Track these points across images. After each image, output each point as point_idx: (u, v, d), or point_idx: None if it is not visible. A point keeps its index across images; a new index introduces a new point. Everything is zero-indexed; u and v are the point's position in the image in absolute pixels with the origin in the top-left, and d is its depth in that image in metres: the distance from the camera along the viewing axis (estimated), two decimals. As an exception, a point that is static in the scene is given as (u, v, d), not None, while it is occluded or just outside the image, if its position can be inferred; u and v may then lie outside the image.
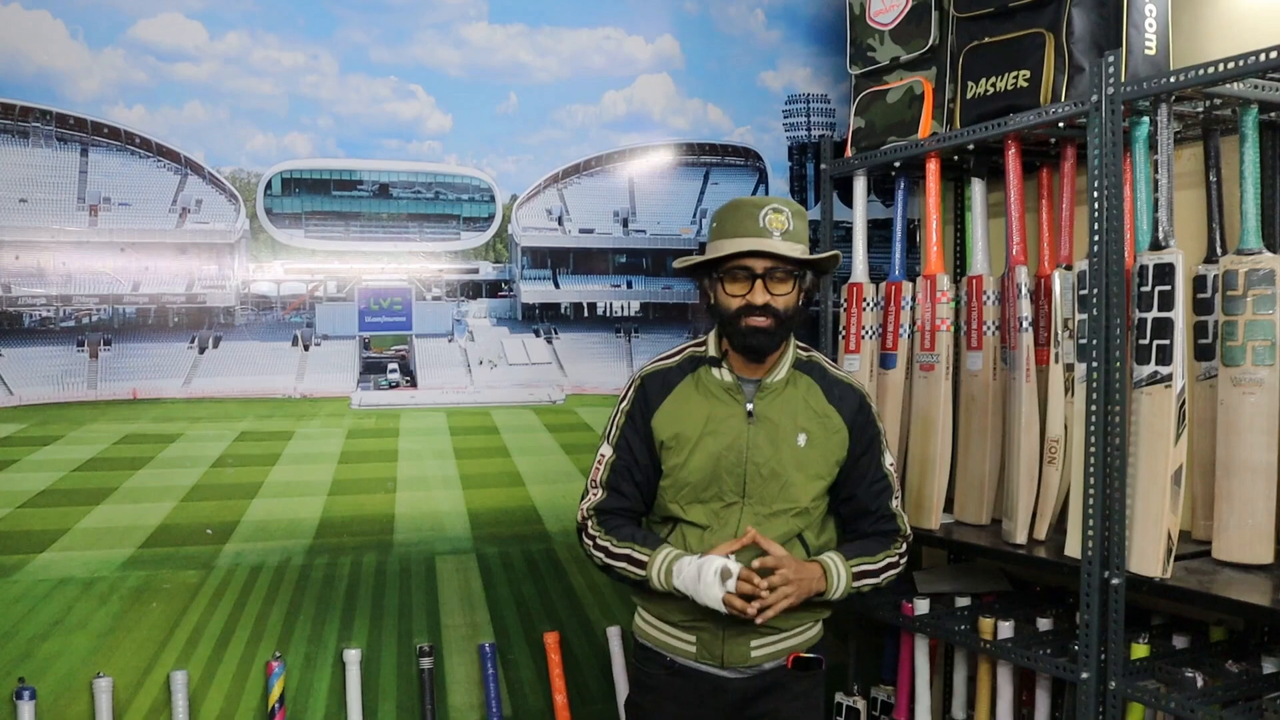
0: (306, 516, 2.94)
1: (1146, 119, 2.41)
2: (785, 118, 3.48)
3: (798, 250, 2.23)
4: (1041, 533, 2.66)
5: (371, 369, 3.05)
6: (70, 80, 2.69)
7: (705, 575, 2.15)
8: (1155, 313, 2.30)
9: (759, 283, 2.23)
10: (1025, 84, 2.62)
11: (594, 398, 3.26)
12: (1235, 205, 2.42)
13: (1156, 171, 2.35)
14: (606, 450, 2.39)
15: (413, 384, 3.09)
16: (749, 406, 2.30)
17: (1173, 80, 2.24)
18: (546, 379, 3.22)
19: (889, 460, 2.40)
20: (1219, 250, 2.53)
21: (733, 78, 3.40)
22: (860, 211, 3.22)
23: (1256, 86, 2.29)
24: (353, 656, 2.91)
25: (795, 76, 3.48)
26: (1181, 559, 2.35)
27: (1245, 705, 2.23)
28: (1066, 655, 2.51)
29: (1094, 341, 2.37)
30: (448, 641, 3.06)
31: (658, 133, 3.33)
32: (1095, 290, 2.36)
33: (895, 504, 2.39)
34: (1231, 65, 2.11)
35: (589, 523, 2.35)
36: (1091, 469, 2.37)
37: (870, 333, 3.14)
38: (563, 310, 3.26)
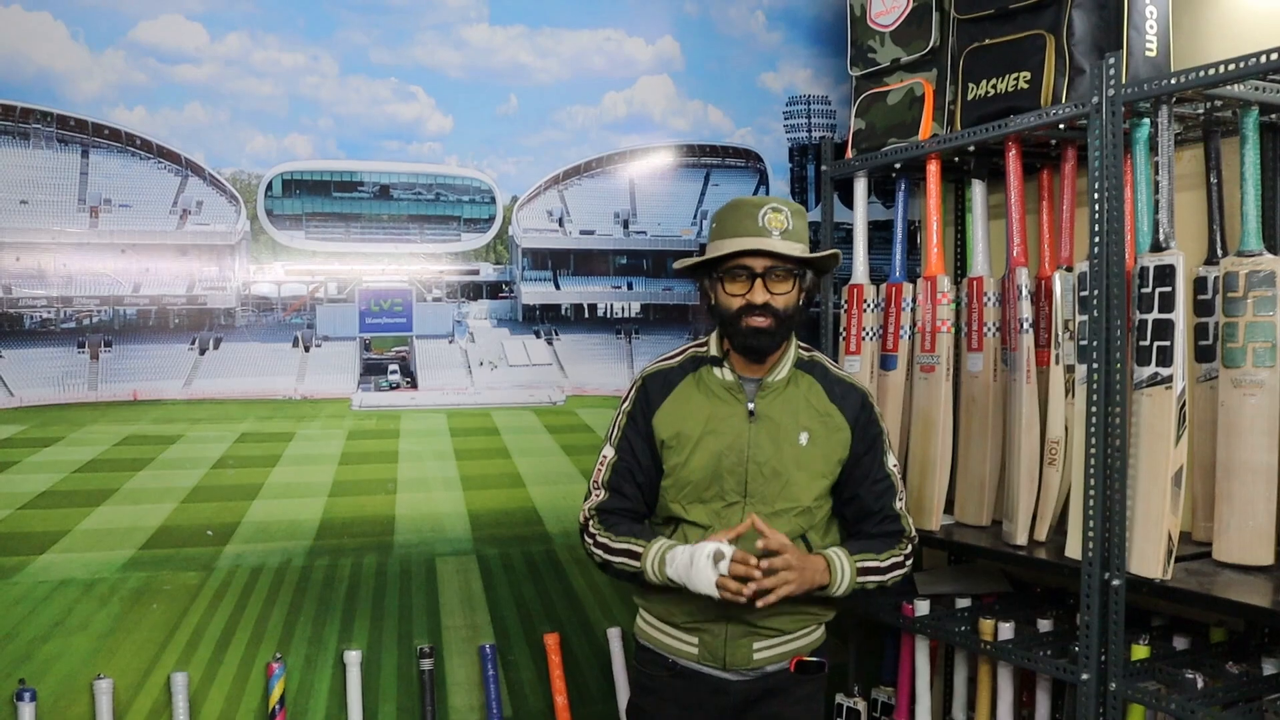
0: (307, 518, 2.94)
1: (1147, 120, 2.42)
2: (786, 119, 3.48)
3: (797, 249, 2.23)
4: (1042, 534, 2.66)
5: (372, 370, 3.05)
6: (71, 82, 2.70)
7: (698, 560, 2.13)
8: (1156, 314, 2.30)
9: (759, 282, 2.23)
10: (1026, 85, 2.62)
11: (594, 399, 3.26)
12: (1236, 207, 2.42)
13: (1157, 173, 2.35)
14: (608, 451, 2.39)
15: (413, 385, 3.09)
16: (750, 406, 2.30)
17: (1173, 82, 2.24)
18: (547, 380, 3.22)
19: (892, 461, 2.39)
20: (1219, 252, 2.53)
21: (733, 79, 3.40)
22: (861, 213, 3.22)
23: (1257, 88, 2.29)
24: (353, 658, 2.91)
25: (796, 78, 3.48)
26: (1182, 560, 2.35)
27: (1246, 706, 2.23)
28: (1067, 656, 2.51)
29: (1094, 343, 2.37)
30: (448, 643, 3.06)
31: (658, 134, 3.33)
32: (1096, 292, 2.37)
33: (899, 505, 2.37)
34: (1232, 67, 2.11)
35: (590, 523, 2.35)
36: (1092, 470, 2.37)
37: (871, 334, 3.14)
38: (563, 311, 3.26)
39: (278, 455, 2.93)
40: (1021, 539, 2.66)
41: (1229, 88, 2.25)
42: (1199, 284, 2.50)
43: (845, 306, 3.21)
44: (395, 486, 3.03)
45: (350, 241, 3.01)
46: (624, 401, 2.42)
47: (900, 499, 2.38)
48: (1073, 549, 2.46)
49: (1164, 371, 2.29)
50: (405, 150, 3.04)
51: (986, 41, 2.76)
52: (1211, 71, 2.15)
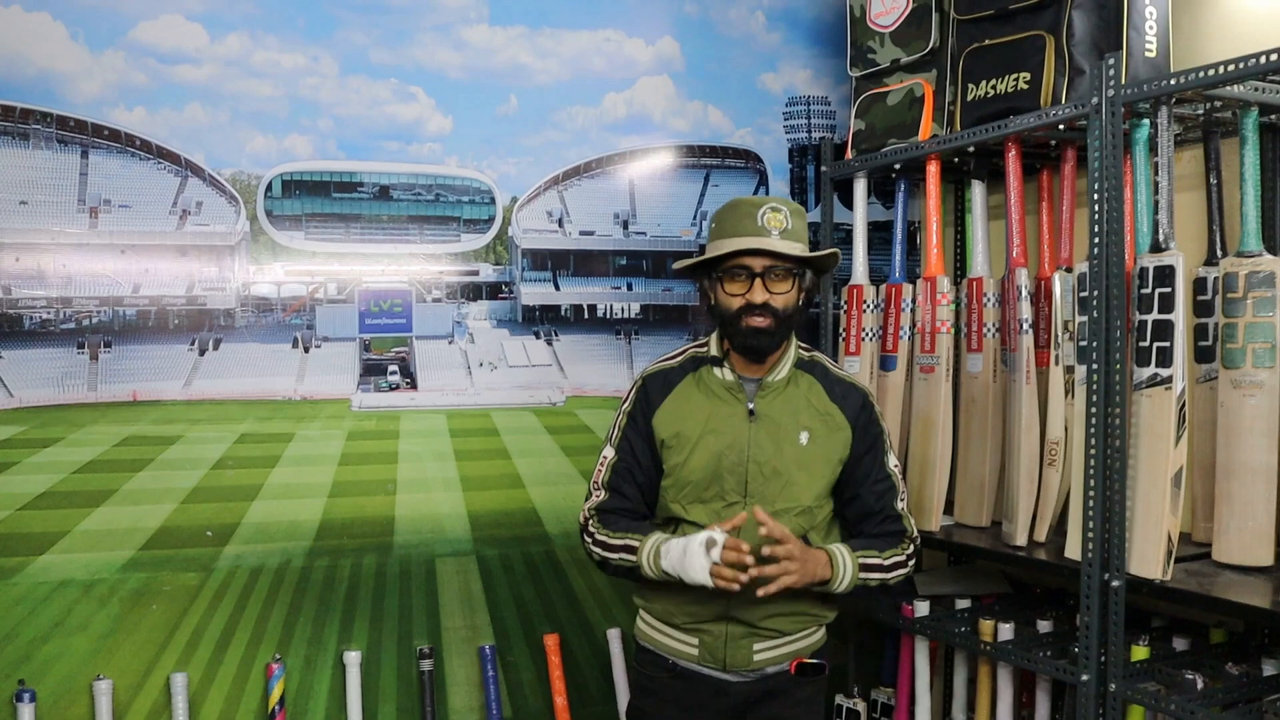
0: (307, 518, 2.94)
1: (1147, 121, 2.42)
2: (786, 120, 3.48)
3: (796, 249, 2.22)
4: (1041, 535, 2.66)
5: (372, 371, 3.05)
6: (71, 82, 2.70)
7: (691, 549, 2.12)
8: (1155, 315, 2.30)
9: (758, 281, 2.22)
10: (1025, 86, 2.62)
11: (594, 400, 3.26)
12: (1235, 207, 2.42)
13: (1157, 174, 2.35)
14: (608, 452, 2.39)
15: (413, 386, 3.09)
16: (750, 405, 2.30)
17: (1173, 83, 2.24)
18: (546, 381, 3.22)
19: (893, 462, 2.38)
20: (1219, 252, 2.53)
21: (733, 80, 3.40)
22: (860, 213, 3.22)
23: (1257, 89, 2.29)
24: (353, 658, 2.91)
25: (796, 78, 3.48)
26: (1181, 561, 2.35)
27: (1245, 707, 2.24)
28: (1066, 657, 2.50)
29: (1094, 344, 2.37)
30: (448, 643, 3.06)
31: (658, 135, 3.33)
32: (1095, 292, 2.36)
33: (901, 505, 2.36)
34: (1232, 68, 2.12)
35: (590, 522, 2.35)
36: (1092, 471, 2.37)
37: (870, 335, 3.14)
38: (563, 312, 3.26)
39: (277, 456, 2.93)
40: (1021, 540, 2.66)
41: (1229, 88, 2.25)
42: (1198, 285, 2.50)
43: (845, 307, 3.21)
44: (395, 487, 3.03)
45: (350, 242, 3.01)
46: (624, 402, 2.42)
47: (902, 499, 2.37)
48: (1072, 550, 2.46)
49: (1164, 372, 2.29)
50: (405, 151, 3.04)
51: (986, 42, 2.76)
52: (1211, 72, 2.15)
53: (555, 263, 3.26)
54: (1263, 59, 2.06)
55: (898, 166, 3.06)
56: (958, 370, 2.98)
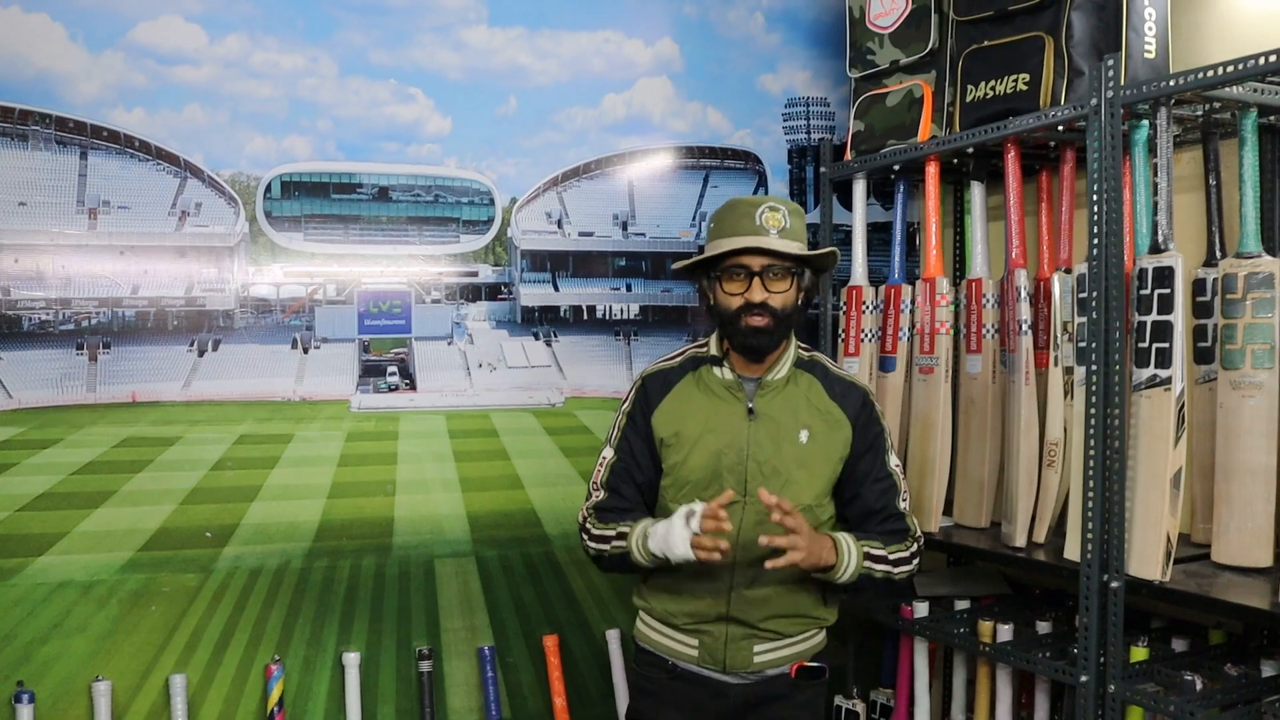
0: (306, 519, 2.93)
1: (1146, 122, 2.42)
2: (785, 121, 3.48)
3: (795, 248, 2.22)
4: (1041, 536, 2.66)
5: (371, 372, 3.05)
6: (70, 83, 2.69)
7: (673, 523, 2.12)
8: (1154, 316, 2.30)
9: (757, 280, 2.22)
10: (1025, 87, 2.62)
11: (593, 400, 3.26)
12: (1234, 208, 2.42)
13: (1156, 175, 2.35)
14: (608, 452, 2.40)
15: (412, 387, 3.09)
16: (750, 404, 2.30)
17: (1172, 84, 2.24)
18: (546, 382, 3.22)
19: (894, 461, 2.37)
20: (1218, 253, 2.53)
21: (732, 81, 3.40)
22: (860, 214, 3.22)
23: (1256, 90, 2.30)
24: (352, 659, 2.91)
25: (795, 80, 3.48)
26: (1181, 562, 2.35)
27: (1245, 708, 2.24)
28: (1065, 658, 2.50)
29: (1093, 344, 2.37)
30: (447, 644, 3.06)
31: (657, 136, 3.33)
32: (1094, 293, 2.37)
33: (903, 504, 2.35)
34: (1231, 69, 2.12)
35: (587, 521, 2.35)
36: (1091, 472, 2.37)
37: (870, 336, 3.14)
38: (562, 313, 3.26)
39: (276, 457, 2.93)
40: (1020, 541, 2.66)
41: (1228, 89, 2.26)
42: (1198, 286, 2.50)
43: (844, 308, 3.21)
44: (394, 488, 3.03)
45: (349, 243, 3.01)
46: (624, 402, 2.42)
47: (904, 499, 2.35)
48: (1071, 551, 2.47)
49: (1163, 373, 2.29)
50: (404, 152, 3.04)
51: (985, 43, 2.76)
52: (1210, 73, 2.15)
53: (554, 264, 3.26)
54: (1261, 60, 2.06)
55: (897, 167, 3.07)
56: (957, 371, 2.98)
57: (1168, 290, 2.29)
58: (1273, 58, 2.04)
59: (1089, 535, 2.37)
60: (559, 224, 3.24)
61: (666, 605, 2.32)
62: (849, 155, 3.22)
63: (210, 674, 2.81)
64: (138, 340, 2.80)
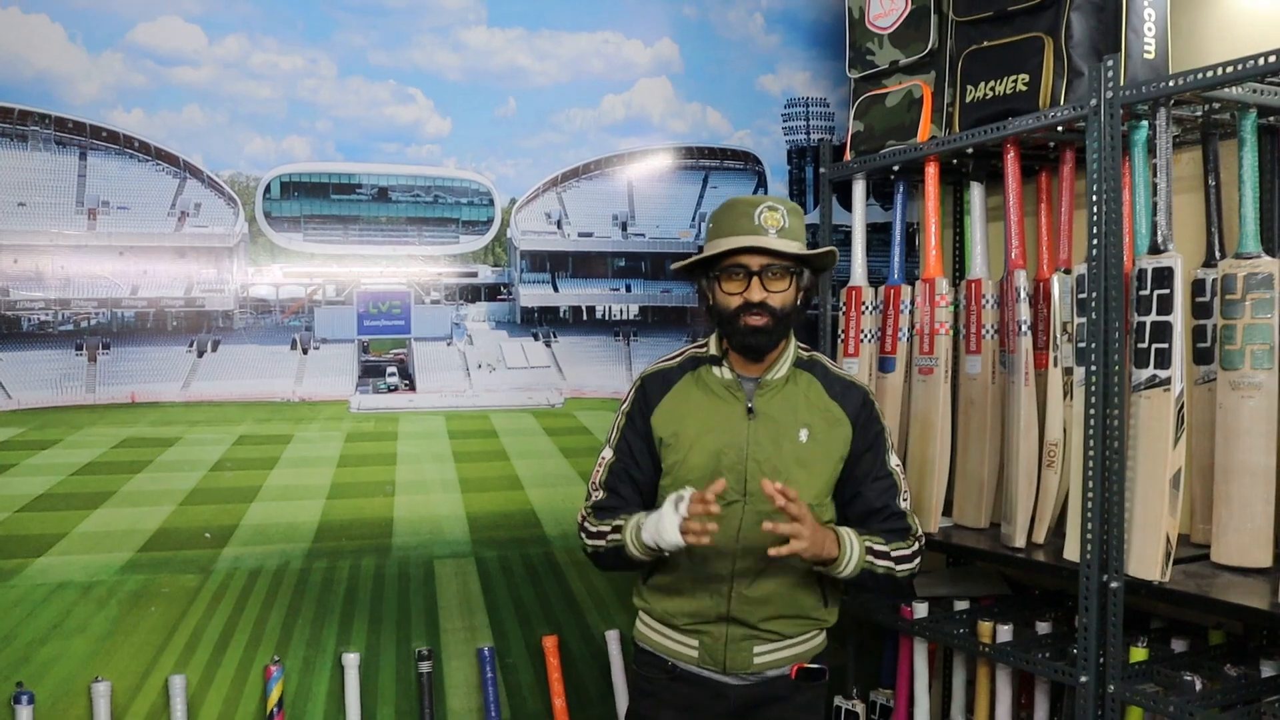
0: (305, 520, 2.93)
1: (1145, 123, 2.42)
2: (784, 121, 3.48)
3: (794, 247, 2.22)
4: (1040, 536, 2.66)
5: (370, 372, 3.05)
6: (69, 84, 2.69)
7: (663, 510, 2.12)
8: (1154, 316, 2.30)
9: (755, 280, 2.22)
10: (1024, 88, 2.62)
11: (593, 401, 3.26)
12: (1234, 209, 2.43)
13: (1155, 175, 2.35)
14: (607, 453, 2.40)
15: (411, 387, 3.09)
16: (749, 404, 2.30)
17: (1171, 84, 2.24)
18: (545, 382, 3.22)
19: (894, 461, 2.36)
20: (1217, 254, 2.53)
21: (731, 81, 3.40)
22: (859, 215, 3.22)
23: (1255, 90, 2.30)
24: (351, 660, 2.91)
25: (794, 80, 3.48)
26: (1180, 562, 2.35)
27: (1244, 709, 2.23)
28: (1065, 659, 2.50)
29: (1093, 345, 2.37)
30: (446, 645, 3.06)
31: (656, 136, 3.33)
32: (1094, 294, 2.37)
33: (904, 504, 2.34)
34: (1230, 69, 2.12)
35: (586, 520, 2.35)
36: (1090, 472, 2.37)
37: (869, 336, 3.14)
38: (561, 314, 3.26)
39: (276, 457, 2.93)
40: (1020, 541, 2.66)
41: (1227, 90, 2.26)
42: (1197, 286, 2.50)
43: (844, 309, 3.21)
44: (393, 489, 3.03)
45: (348, 244, 3.01)
46: (623, 403, 2.42)
47: (904, 498, 2.34)
48: (1071, 551, 2.47)
49: (1162, 374, 2.29)
50: (404, 152, 3.04)
51: (985, 44, 2.76)
52: (1209, 74, 2.15)
53: (554, 264, 3.26)
54: (1261, 61, 2.06)
55: (896, 168, 3.07)
56: (956, 372, 2.98)
57: (1167, 291, 2.29)
58: (1272, 58, 2.04)
59: (1088, 536, 2.37)
60: (558, 225, 3.24)
61: (666, 606, 2.32)
62: (848, 156, 3.22)
63: (210, 675, 2.81)
64: (137, 341, 2.80)
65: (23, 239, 2.68)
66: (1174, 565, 2.29)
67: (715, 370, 2.34)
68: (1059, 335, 2.62)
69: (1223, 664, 2.41)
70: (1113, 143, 2.35)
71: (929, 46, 3.02)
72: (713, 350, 2.37)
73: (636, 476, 2.35)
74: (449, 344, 3.13)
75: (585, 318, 3.28)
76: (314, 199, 2.96)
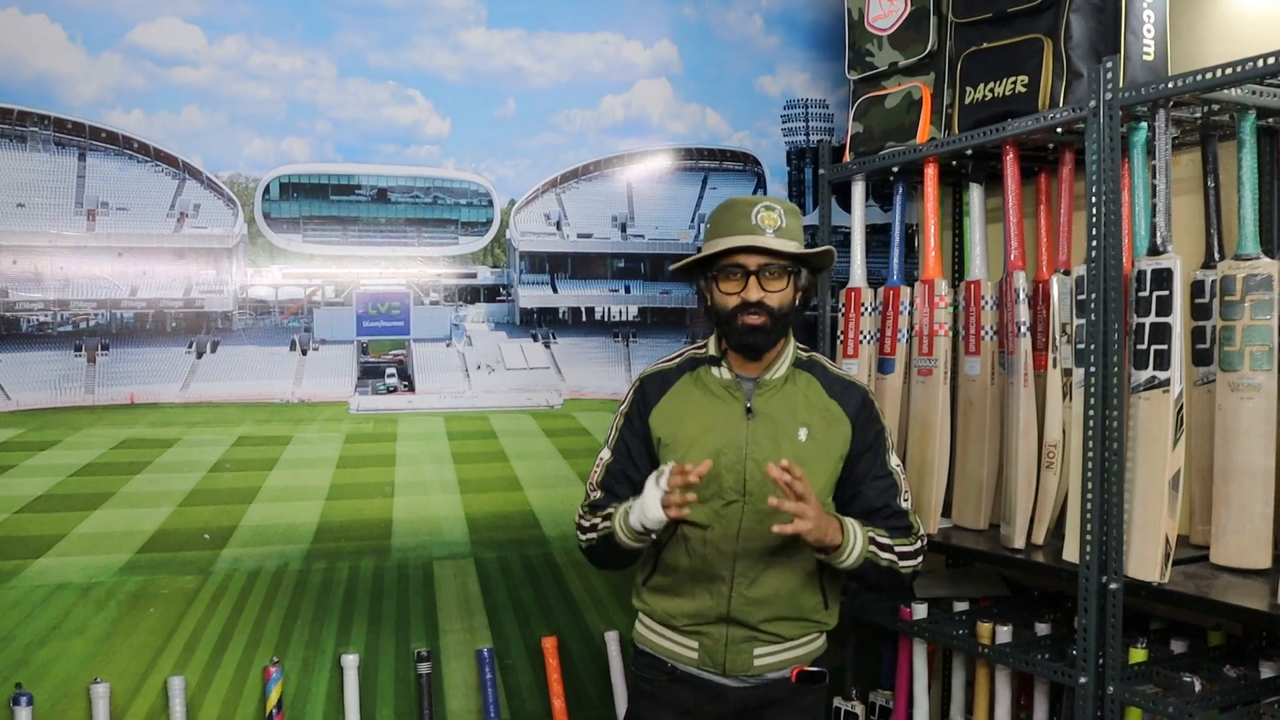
0: (304, 521, 2.93)
1: (1144, 124, 2.42)
2: (784, 123, 3.48)
3: (791, 246, 2.22)
4: (1039, 537, 2.67)
5: (369, 373, 3.05)
6: (68, 85, 2.69)
7: (646, 488, 2.12)
8: (1153, 318, 2.30)
9: (753, 279, 2.22)
10: (1023, 89, 2.62)
11: (592, 402, 3.26)
12: (1233, 210, 2.43)
13: (1154, 177, 2.35)
14: (605, 454, 2.39)
15: (411, 389, 3.08)
16: (748, 404, 2.30)
17: (1171, 86, 2.24)
18: (544, 384, 3.22)
19: (895, 461, 2.35)
20: (1217, 255, 2.54)
21: (731, 83, 3.41)
22: (858, 216, 3.22)
23: (1254, 92, 2.30)
24: (350, 661, 2.91)
25: (794, 81, 3.48)
26: (1179, 564, 2.35)
27: (1243, 710, 2.24)
28: (1064, 660, 2.51)
29: (1092, 346, 2.37)
30: (445, 646, 3.05)
31: (656, 137, 3.33)
32: (1093, 295, 2.37)
33: (905, 503, 2.32)
34: (1229, 71, 2.12)
35: (581, 519, 2.35)
36: (1089, 474, 2.37)
37: (868, 338, 3.14)
38: (561, 315, 3.26)
39: (275, 459, 2.93)
40: (1019, 542, 2.66)
41: (1226, 91, 2.26)
42: (1196, 287, 2.50)
43: (843, 310, 3.21)
44: (392, 490, 3.03)
45: (348, 245, 3.01)
46: (622, 404, 2.42)
47: (905, 498, 2.33)
48: (1070, 552, 2.47)
49: (1161, 375, 2.29)
50: (403, 153, 3.04)
51: (984, 45, 2.76)
52: (1208, 75, 2.15)
53: (553, 265, 3.26)
54: (1260, 62, 2.06)
55: (896, 169, 3.07)
56: (956, 373, 2.98)
57: (1166, 292, 2.29)
58: (1271, 60, 2.04)
59: (1088, 537, 2.37)
60: (557, 226, 3.24)
61: (666, 607, 2.32)
62: (848, 157, 3.22)
63: (209, 676, 2.81)
64: (136, 342, 2.80)
65: (22, 240, 2.68)
66: (1173, 566, 2.29)
67: (714, 370, 2.34)
68: (1058, 336, 2.63)
69: (1222, 665, 2.41)
70: (1112, 144, 2.35)
71: (928, 48, 3.02)
72: (711, 351, 2.37)
73: (634, 477, 2.34)
74: (448, 345, 3.13)
75: (584, 319, 3.28)
76: (313, 200, 2.96)
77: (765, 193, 3.45)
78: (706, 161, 3.40)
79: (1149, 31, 2.53)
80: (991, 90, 2.71)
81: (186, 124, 2.81)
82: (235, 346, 2.90)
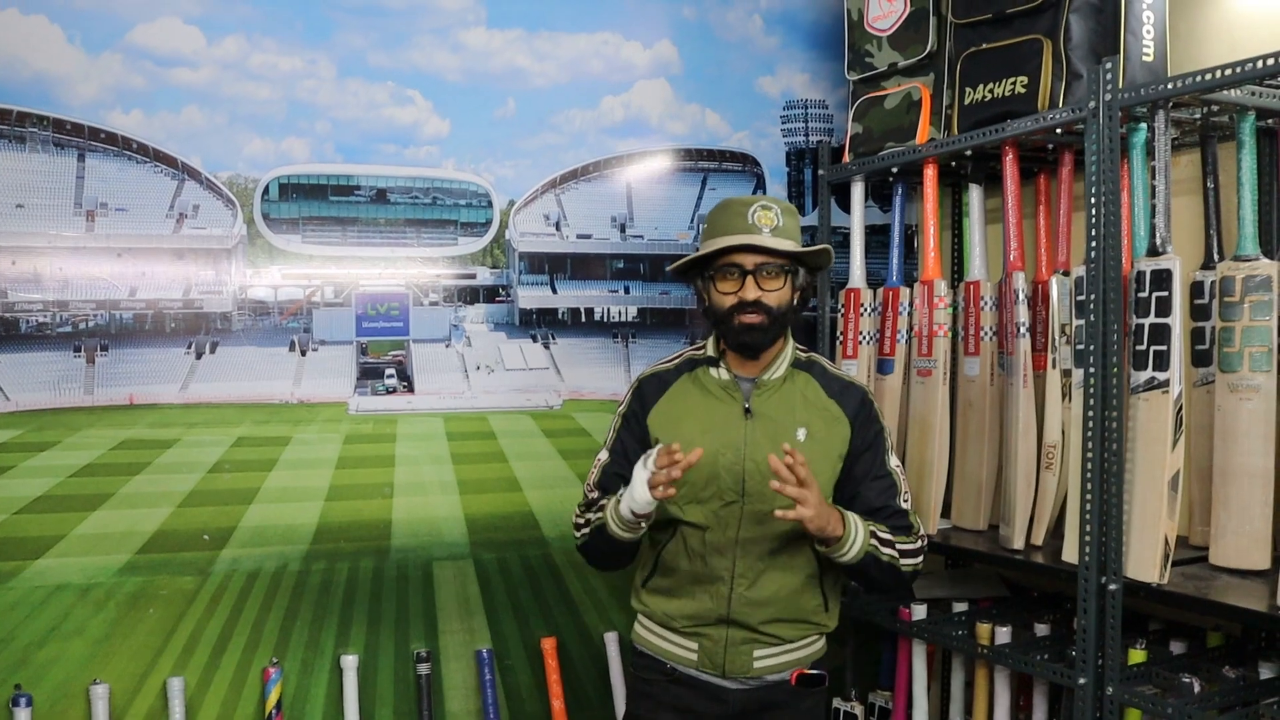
0: (303, 522, 2.93)
1: (1144, 125, 2.42)
2: (783, 123, 3.48)
3: (788, 245, 2.22)
4: (1039, 538, 2.66)
5: (369, 374, 3.05)
6: (67, 85, 2.69)
7: (634, 472, 2.12)
8: (1152, 318, 2.30)
9: (750, 279, 2.22)
10: (1023, 90, 2.62)
11: (591, 403, 3.25)
12: (1232, 211, 2.43)
13: (1154, 178, 2.35)
14: (603, 455, 2.40)
15: (410, 389, 3.08)
16: (746, 404, 2.30)
17: (1170, 87, 2.24)
18: (544, 384, 3.22)
19: (894, 461, 2.35)
20: (1216, 256, 2.54)
21: (730, 83, 3.40)
22: (858, 217, 3.22)
23: (1254, 93, 2.30)
24: (350, 662, 2.91)
25: (793, 82, 3.48)
26: (1179, 564, 2.35)
27: (1242, 711, 2.24)
28: (1064, 661, 2.51)
29: (1091, 347, 2.37)
30: (445, 647, 3.05)
31: (655, 138, 3.33)
32: (1093, 296, 2.37)
33: (905, 504, 2.32)
34: (1229, 72, 2.12)
35: (578, 519, 2.35)
36: (1089, 475, 2.37)
37: (868, 338, 3.14)
38: (560, 315, 3.26)
39: (274, 459, 2.92)
40: (1018, 543, 2.66)
41: (1226, 92, 2.26)
42: (1195, 288, 2.50)
43: (842, 311, 3.21)
44: (392, 490, 3.03)
45: (347, 245, 3.01)
46: (620, 405, 2.42)
47: (905, 499, 2.33)
48: (1070, 553, 2.47)
49: (1160, 376, 2.29)
50: (402, 154, 3.03)
51: (984, 46, 2.76)
52: (1208, 76, 2.15)
53: (552, 266, 3.26)
54: (1260, 63, 2.06)
55: (895, 170, 3.07)
56: (955, 374, 2.98)
57: (1165, 293, 2.29)
58: (1270, 61, 2.04)
59: (1087, 538, 2.37)
60: (557, 226, 3.24)
61: (666, 608, 2.32)
62: (847, 158, 3.22)
63: (208, 677, 2.81)
64: (135, 342, 2.80)
65: (21, 240, 2.67)
66: (1172, 567, 2.29)
67: (712, 371, 2.34)
68: (1057, 337, 2.62)
69: (1221, 666, 2.41)
70: (1111, 145, 2.35)
71: (928, 49, 3.02)
72: (710, 351, 2.37)
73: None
74: (447, 346, 3.13)
75: (584, 319, 3.28)
76: (312, 200, 2.96)
77: (765, 193, 3.45)
78: (706, 162, 3.40)
79: (1148, 32, 2.53)
80: (991, 91, 2.71)
81: (186, 124, 2.81)
82: (234, 347, 2.89)
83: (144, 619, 2.75)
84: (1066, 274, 2.64)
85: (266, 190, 2.91)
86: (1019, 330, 2.69)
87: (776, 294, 2.24)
